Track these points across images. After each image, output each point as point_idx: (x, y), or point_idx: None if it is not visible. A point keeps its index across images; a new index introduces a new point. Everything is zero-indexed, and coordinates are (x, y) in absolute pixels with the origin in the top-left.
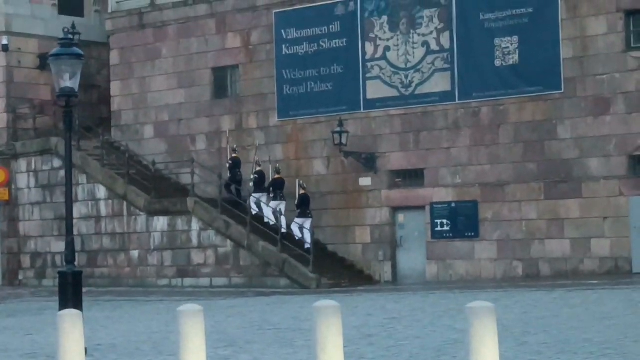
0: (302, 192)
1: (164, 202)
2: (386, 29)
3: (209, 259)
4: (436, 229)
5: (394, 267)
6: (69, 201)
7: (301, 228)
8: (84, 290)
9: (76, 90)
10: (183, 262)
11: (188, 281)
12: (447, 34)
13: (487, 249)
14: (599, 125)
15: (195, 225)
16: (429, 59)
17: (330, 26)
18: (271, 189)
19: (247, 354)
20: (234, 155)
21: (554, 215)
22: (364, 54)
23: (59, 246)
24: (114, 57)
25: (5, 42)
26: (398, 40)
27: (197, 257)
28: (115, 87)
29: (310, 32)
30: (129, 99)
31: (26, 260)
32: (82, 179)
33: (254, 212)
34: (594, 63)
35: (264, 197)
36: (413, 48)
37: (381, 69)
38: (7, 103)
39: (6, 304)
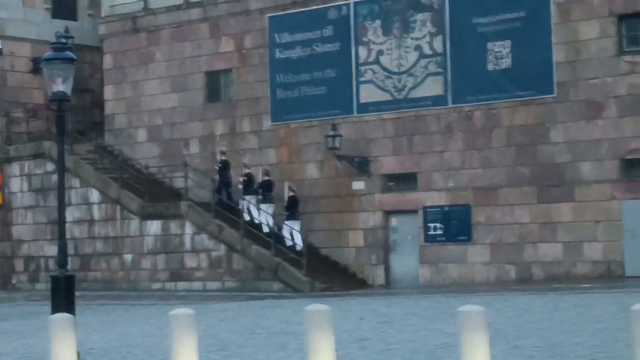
0: (291, 194)
1: (157, 205)
2: (379, 33)
3: (202, 262)
4: (429, 232)
5: (387, 270)
6: (62, 205)
7: (291, 231)
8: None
9: (69, 94)
10: (176, 265)
11: (181, 285)
12: (440, 38)
13: (480, 252)
14: (592, 129)
15: (189, 229)
16: (422, 63)
17: (324, 30)
18: (260, 191)
19: (239, 358)
20: (223, 157)
21: (546, 219)
22: (357, 58)
23: (52, 250)
24: (107, 61)
25: None
26: (391, 44)
27: (190, 261)
28: (108, 91)
29: (304, 36)
30: (122, 103)
31: (19, 264)
32: (75, 182)
33: (247, 218)
34: (586, 67)
35: (253, 199)
36: (406, 52)
37: (374, 73)
38: (0, 107)
39: None
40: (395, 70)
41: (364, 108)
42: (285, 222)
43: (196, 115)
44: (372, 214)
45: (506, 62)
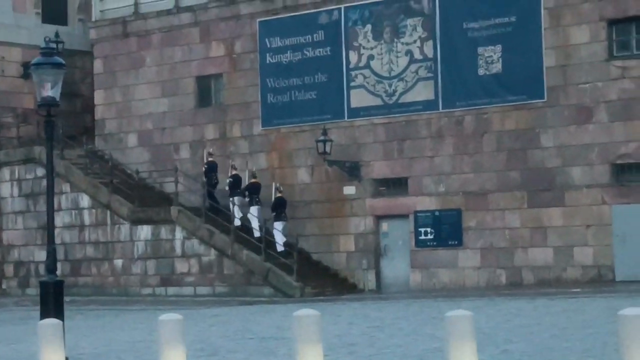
0: (278, 195)
1: (147, 211)
2: (370, 37)
3: (192, 267)
4: (420, 237)
5: (378, 275)
6: (51, 210)
7: (279, 232)
8: (68, 299)
9: (57, 99)
10: (167, 271)
11: (172, 290)
12: (430, 42)
13: (471, 257)
14: (582, 134)
15: (179, 234)
16: (413, 67)
17: (314, 35)
18: (247, 192)
19: None
20: (210, 159)
21: (537, 224)
22: (348, 62)
23: (43, 255)
24: (98, 65)
25: None
26: (382, 49)
27: (180, 266)
28: (98, 96)
29: (294, 40)
30: (113, 108)
31: (9, 269)
32: (66, 187)
33: (237, 217)
34: (576, 72)
35: (239, 201)
36: (397, 57)
37: (365, 77)
38: None
39: None
40: (386, 75)
41: (355, 113)
42: (275, 224)
43: (187, 120)
44: (363, 219)
45: (497, 67)
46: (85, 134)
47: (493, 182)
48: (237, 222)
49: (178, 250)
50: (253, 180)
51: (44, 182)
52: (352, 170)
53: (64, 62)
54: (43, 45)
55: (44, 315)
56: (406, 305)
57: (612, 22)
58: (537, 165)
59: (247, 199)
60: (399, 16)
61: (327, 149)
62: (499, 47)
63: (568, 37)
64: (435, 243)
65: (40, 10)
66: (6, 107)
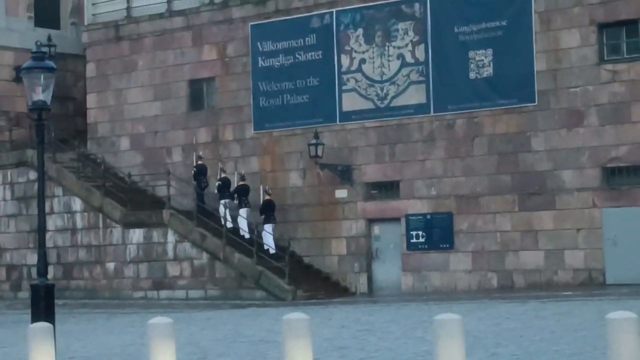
0: (267, 198)
1: (139, 214)
2: (362, 41)
3: (184, 271)
4: (411, 240)
5: (370, 278)
6: (42, 214)
7: (269, 235)
8: (60, 302)
9: (48, 103)
10: (159, 274)
11: (164, 293)
12: (422, 46)
13: (462, 260)
14: (573, 138)
15: (171, 237)
16: (404, 71)
17: (306, 39)
18: (236, 195)
19: None
20: (199, 162)
21: (528, 227)
22: (340, 66)
23: (35, 258)
24: (90, 69)
25: None
26: (373, 52)
27: (172, 269)
28: (91, 99)
29: (286, 44)
30: (105, 111)
31: (1, 273)
32: (58, 191)
33: (228, 220)
34: (567, 76)
35: (228, 204)
36: (388, 60)
37: (357, 81)
38: None
39: None
40: (378, 78)
41: (347, 116)
42: (265, 227)
43: (179, 123)
44: (354, 222)
45: (488, 71)
46: (77, 137)
47: (484, 186)
48: (230, 225)
49: (170, 254)
50: (242, 182)
51: (36, 186)
52: (344, 174)
53: (55, 66)
54: (35, 49)
55: (34, 318)
56: (397, 309)
57: (603, 26)
58: (528, 169)
59: (236, 202)
60: (390, 20)
61: (319, 153)
62: (490, 51)
63: (559, 41)
64: (426, 246)
65: (32, 14)
66: None
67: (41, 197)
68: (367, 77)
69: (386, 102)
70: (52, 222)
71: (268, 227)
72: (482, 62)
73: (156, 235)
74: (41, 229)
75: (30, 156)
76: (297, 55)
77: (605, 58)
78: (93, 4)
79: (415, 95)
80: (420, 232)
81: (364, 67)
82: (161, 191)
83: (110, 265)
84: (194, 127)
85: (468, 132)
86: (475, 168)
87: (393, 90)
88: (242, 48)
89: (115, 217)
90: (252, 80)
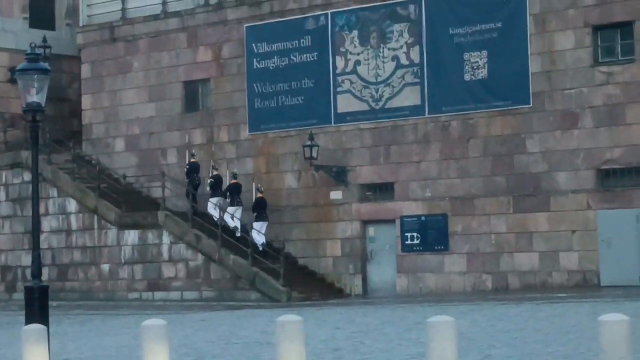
0: (259, 195)
1: (134, 215)
2: (356, 43)
3: (179, 272)
4: (406, 242)
5: (365, 280)
6: (36, 216)
7: (258, 232)
8: (54, 304)
9: (43, 105)
10: (154, 275)
11: (159, 295)
12: (416, 48)
13: (457, 262)
14: (567, 139)
15: (166, 238)
16: (399, 73)
17: (301, 40)
18: (228, 193)
19: None
20: (192, 160)
21: (522, 229)
22: (335, 68)
23: (30, 260)
24: (85, 70)
25: None
26: (368, 54)
27: (167, 271)
28: (86, 101)
29: (281, 46)
30: (100, 112)
31: None
32: (53, 192)
33: (216, 219)
34: (562, 77)
35: (220, 202)
36: (383, 62)
37: (352, 82)
38: None
39: None
40: (373, 80)
41: (342, 118)
42: (254, 224)
43: (174, 124)
44: (349, 224)
45: (482, 73)
46: (72, 138)
47: (479, 187)
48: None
49: (165, 255)
50: (233, 181)
51: (31, 187)
52: (338, 175)
53: (49, 67)
54: (29, 50)
55: (28, 320)
56: (392, 310)
57: (597, 28)
58: (522, 171)
59: (228, 200)
60: (385, 22)
61: (314, 154)
62: (484, 53)
63: (553, 43)
64: (421, 248)
65: (27, 15)
66: None
67: (35, 199)
68: (362, 79)
69: (381, 103)
70: (47, 224)
71: (257, 225)
72: (477, 64)
73: (151, 236)
74: (35, 231)
75: (25, 157)
76: (292, 57)
77: (600, 60)
78: (88, 5)
79: (410, 97)
80: (415, 234)
81: (358, 68)
82: (156, 192)
83: (105, 267)
84: (189, 129)
85: (463, 134)
86: (470, 170)
87: (388, 92)
88: (237, 49)
89: (110, 218)
90: (247, 81)
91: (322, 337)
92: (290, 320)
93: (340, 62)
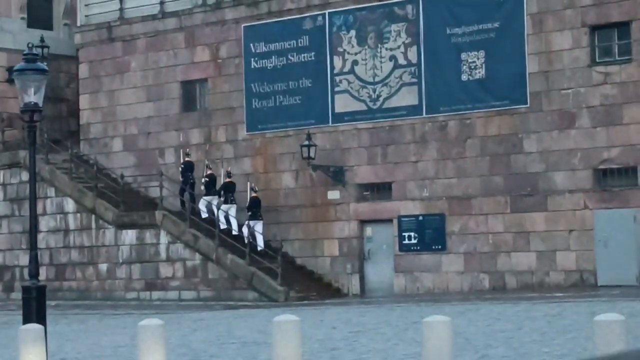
0: (253, 194)
1: (132, 215)
2: (354, 43)
3: (177, 272)
4: (404, 242)
5: (362, 279)
6: (33, 216)
7: (252, 231)
8: (52, 303)
9: (40, 105)
10: (151, 275)
11: (156, 294)
12: (414, 48)
13: (454, 261)
14: (564, 139)
15: (164, 238)
16: (397, 73)
17: (299, 40)
18: (222, 192)
19: None
20: (187, 159)
21: (520, 229)
22: (332, 67)
23: (27, 259)
24: (83, 70)
25: None
26: (366, 54)
27: (165, 270)
28: (84, 100)
29: (279, 46)
30: (98, 112)
31: None
32: (51, 192)
33: (204, 216)
34: (559, 77)
35: (214, 200)
36: (381, 62)
37: (349, 82)
38: None
39: None
40: (370, 80)
41: (339, 118)
42: (248, 221)
43: (172, 124)
44: (347, 224)
45: (480, 73)
46: (70, 138)
47: (476, 187)
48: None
49: (163, 255)
50: (228, 179)
51: (29, 187)
52: (336, 175)
53: (46, 67)
54: (27, 50)
55: (26, 320)
56: (389, 310)
57: (595, 28)
58: (520, 171)
59: (222, 198)
60: (383, 22)
61: (312, 154)
62: (482, 53)
63: (551, 43)
64: (418, 248)
65: (25, 15)
66: None
67: (33, 199)
68: (359, 79)
69: (378, 103)
70: (44, 223)
71: (257, 226)
72: (474, 64)
73: (149, 236)
74: (33, 231)
75: (23, 157)
76: (289, 57)
77: (597, 60)
78: (86, 5)
79: (407, 97)
80: (412, 234)
81: (356, 68)
82: (154, 192)
83: (103, 266)
84: (187, 128)
85: (460, 134)
86: (467, 169)
87: (385, 92)
88: (234, 49)
89: (108, 218)
90: (245, 81)
91: (319, 337)
92: (287, 320)
93: (337, 62)
